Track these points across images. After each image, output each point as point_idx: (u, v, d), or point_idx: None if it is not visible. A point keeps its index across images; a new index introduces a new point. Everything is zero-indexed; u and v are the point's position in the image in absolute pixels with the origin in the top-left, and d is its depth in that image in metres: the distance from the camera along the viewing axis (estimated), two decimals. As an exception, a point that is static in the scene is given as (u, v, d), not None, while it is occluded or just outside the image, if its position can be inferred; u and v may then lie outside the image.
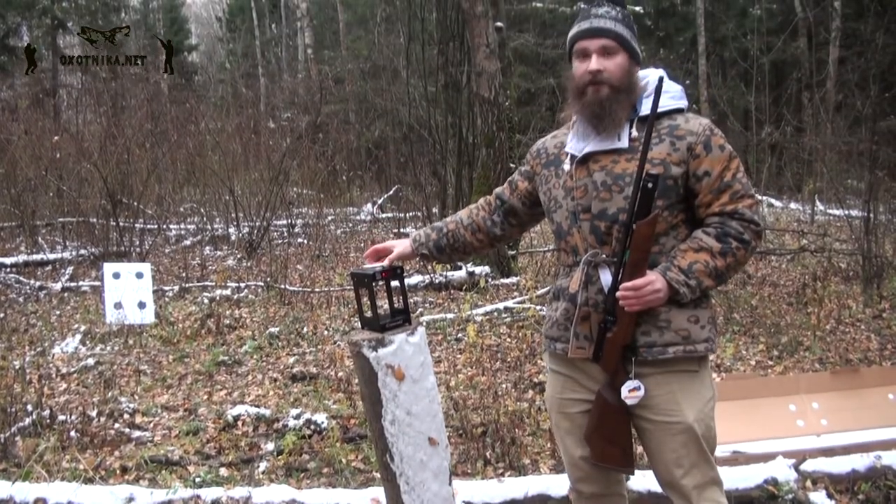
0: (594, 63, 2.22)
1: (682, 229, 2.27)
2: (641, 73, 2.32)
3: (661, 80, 2.20)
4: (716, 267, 2.17)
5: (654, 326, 2.21)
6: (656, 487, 3.37)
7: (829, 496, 3.38)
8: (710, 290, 2.24)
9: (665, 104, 2.23)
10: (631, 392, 2.22)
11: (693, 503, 2.27)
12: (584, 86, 2.25)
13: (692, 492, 2.27)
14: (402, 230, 12.33)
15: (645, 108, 2.22)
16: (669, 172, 2.19)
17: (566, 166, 2.33)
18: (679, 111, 2.28)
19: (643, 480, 3.34)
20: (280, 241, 12.84)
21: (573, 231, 2.30)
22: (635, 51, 2.27)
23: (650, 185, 2.11)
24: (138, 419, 4.94)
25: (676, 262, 2.18)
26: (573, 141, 2.33)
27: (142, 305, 7.40)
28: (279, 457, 4.23)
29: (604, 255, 2.23)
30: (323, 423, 4.55)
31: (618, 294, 2.16)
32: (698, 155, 2.19)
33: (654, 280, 2.14)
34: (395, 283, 2.35)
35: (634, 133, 2.23)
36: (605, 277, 2.23)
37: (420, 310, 7.76)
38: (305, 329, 7.14)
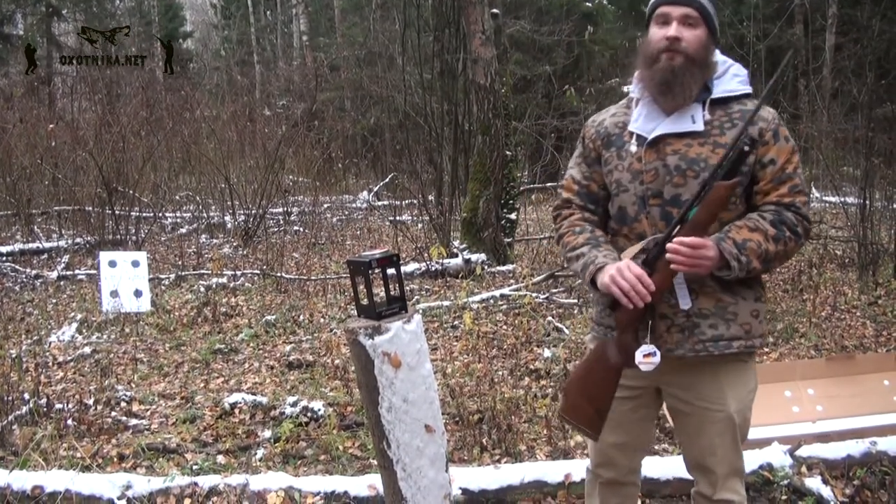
0: (673, 29, 2.14)
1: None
2: None
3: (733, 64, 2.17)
4: (766, 250, 2.09)
5: (721, 319, 2.16)
6: (652, 474, 3.41)
7: (825, 482, 3.39)
8: (754, 273, 2.14)
9: (736, 88, 2.19)
10: (646, 357, 2.13)
11: (716, 489, 2.28)
12: (659, 52, 2.16)
13: (718, 479, 2.27)
14: (398, 218, 12.31)
15: (718, 91, 2.17)
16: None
17: (633, 147, 2.22)
18: (748, 96, 2.22)
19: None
20: (276, 229, 12.82)
21: (641, 217, 2.20)
22: (716, 28, 2.19)
23: (747, 147, 2.04)
24: (135, 407, 4.95)
25: (731, 235, 2.09)
26: (639, 120, 2.23)
27: (138, 294, 7.39)
28: (276, 444, 4.23)
29: None
30: (320, 410, 4.56)
31: (668, 246, 2.03)
32: (767, 142, 2.14)
33: (709, 245, 2.03)
34: (391, 271, 2.35)
35: (708, 116, 2.16)
36: None
37: (416, 297, 7.77)
38: (302, 317, 7.14)
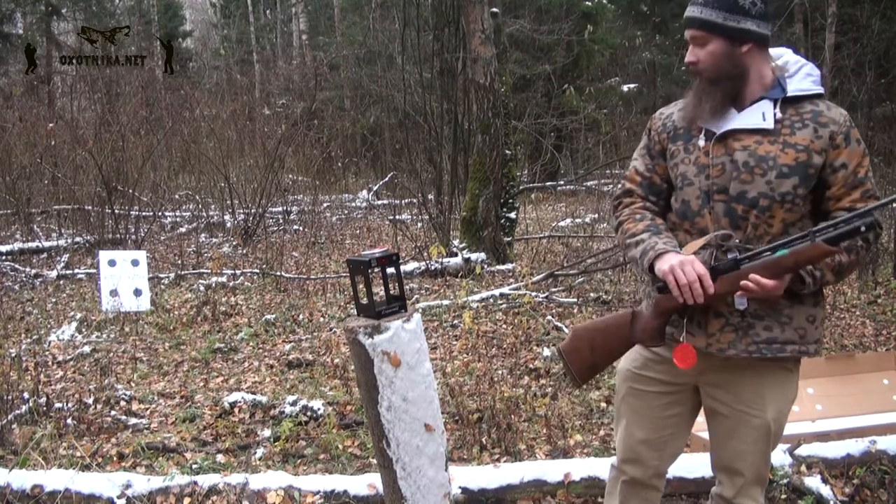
0: (689, 54, 2.18)
1: (806, 221, 2.18)
2: (774, 52, 2.23)
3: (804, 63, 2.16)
4: (840, 262, 2.09)
5: (776, 322, 2.14)
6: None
7: (824, 481, 3.40)
8: (827, 285, 2.16)
9: (808, 88, 2.16)
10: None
11: (738, 493, 2.28)
12: (693, 75, 2.22)
13: (745, 485, 2.27)
14: (397, 217, 12.31)
15: (790, 90, 2.15)
16: (811, 161, 2.10)
17: (700, 142, 2.20)
18: (819, 97, 2.19)
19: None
20: (276, 229, 12.81)
21: (704, 212, 2.18)
22: (736, 31, 2.11)
23: (863, 228, 2.00)
24: (135, 406, 4.95)
25: None
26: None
27: (138, 293, 7.39)
28: (276, 443, 4.24)
29: (737, 241, 2.12)
30: (319, 409, 4.56)
31: (743, 284, 2.03)
32: (838, 145, 2.11)
33: (781, 286, 2.04)
34: (390, 270, 2.35)
35: (779, 114, 2.13)
36: None
37: (416, 296, 7.77)
38: (301, 316, 7.14)
